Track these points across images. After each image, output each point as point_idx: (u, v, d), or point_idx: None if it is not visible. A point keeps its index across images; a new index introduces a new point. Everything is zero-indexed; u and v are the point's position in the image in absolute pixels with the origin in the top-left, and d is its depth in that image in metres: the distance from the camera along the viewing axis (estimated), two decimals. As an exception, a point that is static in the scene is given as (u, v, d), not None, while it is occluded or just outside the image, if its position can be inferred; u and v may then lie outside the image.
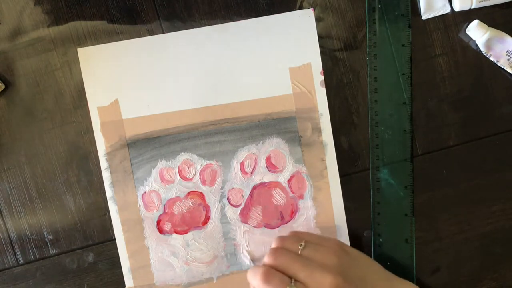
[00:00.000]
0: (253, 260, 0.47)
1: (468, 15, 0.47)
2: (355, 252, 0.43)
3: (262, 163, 0.47)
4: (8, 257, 0.47)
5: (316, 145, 0.47)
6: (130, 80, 0.47)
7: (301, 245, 0.42)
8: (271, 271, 0.40)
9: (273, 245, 0.43)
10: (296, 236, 0.44)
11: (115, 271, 0.47)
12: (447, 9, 0.47)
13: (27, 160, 0.47)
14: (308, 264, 0.40)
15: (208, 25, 0.47)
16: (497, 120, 0.48)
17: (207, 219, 0.47)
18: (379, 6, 0.47)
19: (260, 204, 0.47)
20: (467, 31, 0.47)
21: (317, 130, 0.47)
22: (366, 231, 0.48)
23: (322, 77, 0.47)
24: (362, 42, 0.47)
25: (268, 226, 0.47)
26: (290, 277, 0.39)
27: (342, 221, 0.47)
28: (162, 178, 0.47)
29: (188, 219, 0.47)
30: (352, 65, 0.47)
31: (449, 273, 0.48)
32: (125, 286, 0.47)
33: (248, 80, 0.47)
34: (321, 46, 0.47)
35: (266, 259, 0.41)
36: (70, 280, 0.47)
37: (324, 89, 0.47)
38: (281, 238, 0.43)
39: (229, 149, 0.47)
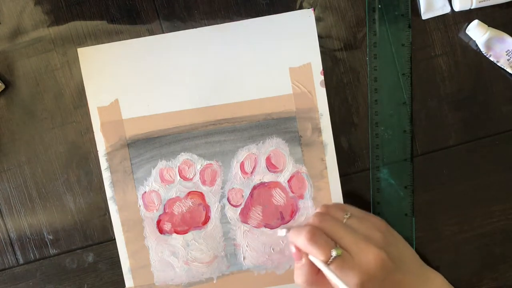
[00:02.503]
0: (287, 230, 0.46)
1: (468, 15, 0.47)
2: (397, 234, 0.44)
3: (262, 163, 0.47)
4: (8, 257, 0.47)
5: (316, 145, 0.47)
6: (130, 80, 0.47)
7: (346, 214, 0.42)
8: (318, 231, 0.40)
9: (318, 210, 0.43)
10: (341, 206, 0.44)
11: (115, 271, 0.47)
12: (447, 9, 0.47)
13: (27, 160, 0.47)
14: (354, 233, 0.40)
15: (208, 25, 0.47)
16: (497, 120, 0.48)
17: (207, 219, 0.47)
18: (379, 6, 0.47)
19: (260, 204, 0.47)
20: (467, 31, 0.47)
21: (317, 130, 0.47)
22: (366, 231, 0.48)
23: (322, 77, 0.47)
24: (362, 42, 0.47)
25: (268, 226, 0.47)
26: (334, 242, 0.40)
27: (342, 221, 0.47)
28: (162, 178, 0.47)
29: (188, 219, 0.47)
30: (352, 65, 0.47)
31: (449, 273, 0.48)
32: (125, 286, 0.47)
33: (248, 80, 0.47)
34: (321, 46, 0.47)
35: (312, 221, 0.41)
36: (70, 280, 0.47)
37: (324, 89, 0.47)
38: (326, 206, 0.44)
39: (229, 149, 0.47)
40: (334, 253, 0.39)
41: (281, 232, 0.46)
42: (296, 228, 0.41)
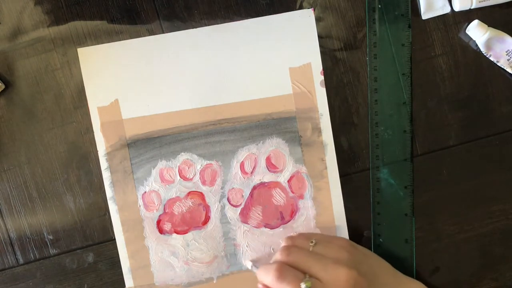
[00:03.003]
0: (255, 264, 0.46)
1: (468, 15, 0.47)
2: (364, 249, 0.44)
3: (262, 163, 0.47)
4: (8, 257, 0.47)
5: (316, 145, 0.47)
6: (130, 80, 0.47)
7: (311, 242, 0.42)
8: (285, 267, 0.40)
9: (283, 243, 0.43)
10: (306, 235, 0.44)
11: (115, 271, 0.47)
12: (447, 9, 0.47)
13: (27, 160, 0.47)
14: (321, 259, 0.40)
15: (208, 25, 0.47)
16: (497, 120, 0.48)
17: (207, 219, 0.47)
18: (379, 6, 0.47)
19: (260, 204, 0.47)
20: (467, 31, 0.47)
21: (317, 130, 0.47)
22: (366, 231, 0.48)
23: (322, 77, 0.47)
24: (362, 42, 0.47)
25: (268, 226, 0.47)
26: (304, 273, 0.39)
27: (342, 221, 0.47)
28: (162, 178, 0.47)
29: (188, 219, 0.47)
30: (352, 65, 0.47)
31: (449, 273, 0.48)
32: (125, 286, 0.47)
33: (248, 80, 0.47)
34: (321, 46, 0.47)
35: (279, 256, 0.41)
36: (70, 280, 0.47)
37: (324, 89, 0.47)
38: (291, 237, 0.44)
39: (229, 149, 0.47)
40: (303, 286, 0.38)
41: (248, 264, 0.46)
42: (263, 267, 0.41)
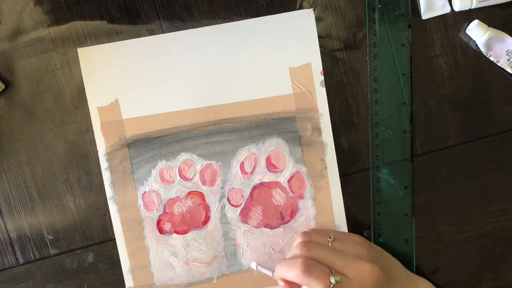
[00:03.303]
0: (261, 264, 0.46)
1: (468, 15, 0.47)
2: (378, 247, 0.45)
3: (262, 163, 0.47)
4: (8, 257, 0.47)
5: (316, 145, 0.47)
6: (130, 80, 0.47)
7: (330, 237, 0.42)
8: (312, 262, 0.39)
9: (300, 239, 0.43)
10: (321, 231, 0.44)
11: (115, 271, 0.47)
12: (447, 9, 0.47)
13: (27, 160, 0.47)
14: (343, 255, 0.40)
15: (208, 25, 0.47)
16: (497, 120, 0.48)
17: (207, 219, 0.47)
18: (379, 6, 0.47)
19: (260, 204, 0.47)
20: (467, 31, 0.47)
21: (317, 130, 0.47)
22: (366, 231, 0.48)
23: (322, 77, 0.47)
24: (362, 42, 0.47)
25: (268, 226, 0.47)
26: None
27: (342, 221, 0.47)
28: (162, 178, 0.47)
29: (188, 219, 0.47)
30: (352, 65, 0.47)
31: (449, 273, 0.48)
32: (125, 286, 0.47)
33: (248, 80, 0.47)
34: (321, 46, 0.47)
35: (299, 251, 0.41)
36: (70, 280, 0.47)
37: (324, 89, 0.47)
38: (307, 233, 0.43)
39: (229, 149, 0.47)
40: (333, 280, 0.38)
41: (253, 265, 0.46)
42: (285, 262, 0.40)
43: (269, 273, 0.44)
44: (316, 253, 0.40)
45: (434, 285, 0.46)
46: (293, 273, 0.39)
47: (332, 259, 0.40)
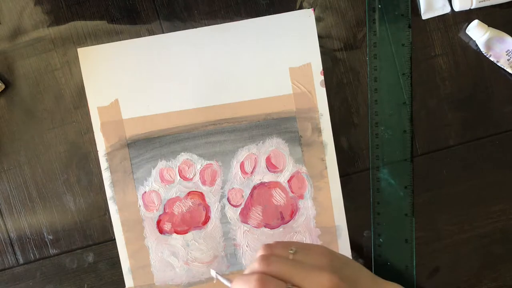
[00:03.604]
0: (219, 274, 0.45)
1: (468, 15, 0.47)
2: (344, 256, 0.43)
3: (262, 163, 0.47)
4: (8, 257, 0.47)
5: (316, 145, 0.47)
6: (130, 80, 0.47)
7: (291, 249, 0.41)
8: (267, 277, 0.38)
9: (261, 253, 0.41)
10: (284, 243, 0.43)
11: (115, 271, 0.47)
12: (447, 9, 0.47)
13: (27, 160, 0.47)
14: (303, 266, 0.39)
15: (208, 25, 0.47)
16: (497, 120, 0.48)
17: (207, 219, 0.47)
18: (379, 6, 0.47)
19: (260, 204, 0.47)
20: (467, 31, 0.47)
21: (317, 130, 0.47)
22: (366, 231, 0.48)
23: (322, 77, 0.47)
24: (362, 42, 0.47)
25: (268, 226, 0.47)
26: (286, 283, 0.39)
27: (342, 221, 0.47)
28: (162, 178, 0.47)
29: (188, 219, 0.47)
30: (352, 65, 0.47)
31: (449, 273, 0.48)
32: (125, 286, 0.47)
33: (248, 80, 0.47)
34: (321, 46, 0.47)
35: (257, 266, 0.39)
36: (70, 280, 0.47)
37: (324, 89, 0.47)
38: (268, 246, 0.42)
39: (229, 149, 0.47)
40: None
41: (212, 273, 0.44)
42: (240, 278, 0.39)
43: (228, 284, 0.43)
44: (275, 267, 0.39)
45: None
46: None
47: (291, 273, 0.39)
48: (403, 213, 0.48)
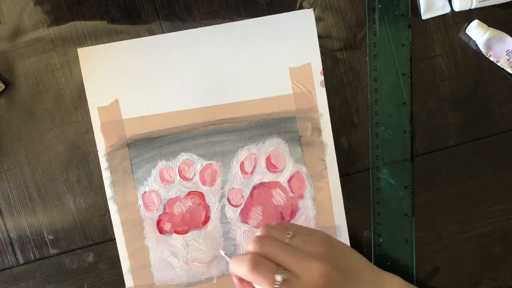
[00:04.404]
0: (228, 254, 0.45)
1: (468, 15, 0.47)
2: (342, 244, 0.43)
3: (262, 163, 0.47)
4: (8, 257, 0.47)
5: (316, 145, 0.47)
6: (130, 80, 0.47)
7: (288, 234, 0.40)
8: (259, 258, 0.38)
9: (259, 233, 0.41)
10: (283, 225, 0.42)
11: (115, 271, 0.47)
12: (447, 9, 0.47)
13: (27, 160, 0.47)
14: (296, 252, 0.39)
15: (208, 25, 0.47)
16: (497, 120, 0.48)
17: (207, 219, 0.47)
18: (379, 6, 0.47)
19: (260, 204, 0.47)
20: (467, 31, 0.47)
21: (317, 130, 0.47)
22: (366, 231, 0.48)
23: (322, 77, 0.47)
24: (362, 42, 0.47)
25: (268, 226, 0.47)
26: (278, 265, 0.38)
27: (342, 221, 0.47)
28: (162, 178, 0.47)
29: (188, 219, 0.47)
30: (352, 65, 0.47)
31: (449, 273, 0.48)
32: (125, 286, 0.47)
33: (248, 80, 0.47)
34: (321, 46, 0.47)
35: (252, 247, 0.40)
36: (70, 280, 0.47)
37: (324, 89, 0.47)
38: (268, 227, 0.42)
39: (229, 149, 0.47)
40: (279, 278, 0.37)
41: (221, 252, 0.45)
42: (236, 258, 0.39)
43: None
44: (268, 249, 0.39)
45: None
46: (241, 269, 0.38)
47: (284, 257, 0.39)
48: (403, 213, 0.48)
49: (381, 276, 0.44)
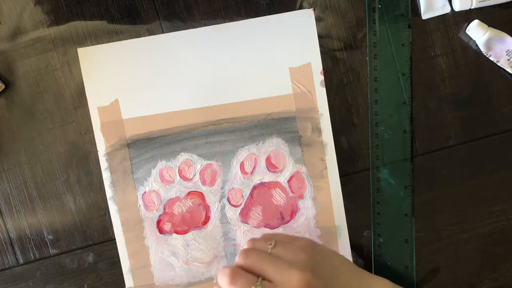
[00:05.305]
0: None
1: (468, 15, 0.47)
2: (327, 249, 0.43)
3: (262, 163, 0.47)
4: (8, 257, 0.47)
5: (316, 145, 0.47)
6: (130, 80, 0.47)
7: (270, 244, 0.41)
8: (238, 271, 0.39)
9: (244, 247, 0.42)
10: (267, 236, 0.43)
11: (115, 271, 0.47)
12: (447, 9, 0.47)
13: (27, 160, 0.47)
14: (277, 261, 0.39)
15: (208, 25, 0.47)
16: (497, 120, 0.48)
17: (207, 219, 0.47)
18: (379, 6, 0.47)
19: (260, 204, 0.47)
20: (467, 31, 0.47)
21: (317, 130, 0.47)
22: (366, 231, 0.48)
23: (322, 77, 0.47)
24: (362, 42, 0.47)
25: (268, 226, 0.47)
26: (258, 276, 0.39)
27: (342, 221, 0.47)
28: (162, 178, 0.47)
29: (188, 219, 0.47)
30: (352, 65, 0.47)
31: (449, 273, 0.48)
32: (125, 286, 0.47)
33: (248, 80, 0.47)
34: (321, 46, 0.47)
35: (237, 260, 0.40)
36: (70, 280, 0.47)
37: (324, 89, 0.47)
38: (252, 240, 0.42)
39: (229, 149, 0.47)
40: None
41: None
42: (221, 270, 0.40)
43: None
44: (250, 260, 0.40)
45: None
46: (222, 282, 0.39)
47: (265, 267, 0.39)
48: (403, 213, 0.48)
49: (366, 280, 0.43)
